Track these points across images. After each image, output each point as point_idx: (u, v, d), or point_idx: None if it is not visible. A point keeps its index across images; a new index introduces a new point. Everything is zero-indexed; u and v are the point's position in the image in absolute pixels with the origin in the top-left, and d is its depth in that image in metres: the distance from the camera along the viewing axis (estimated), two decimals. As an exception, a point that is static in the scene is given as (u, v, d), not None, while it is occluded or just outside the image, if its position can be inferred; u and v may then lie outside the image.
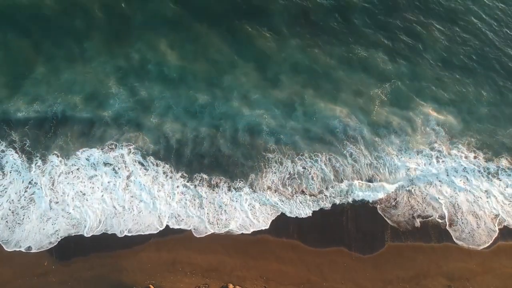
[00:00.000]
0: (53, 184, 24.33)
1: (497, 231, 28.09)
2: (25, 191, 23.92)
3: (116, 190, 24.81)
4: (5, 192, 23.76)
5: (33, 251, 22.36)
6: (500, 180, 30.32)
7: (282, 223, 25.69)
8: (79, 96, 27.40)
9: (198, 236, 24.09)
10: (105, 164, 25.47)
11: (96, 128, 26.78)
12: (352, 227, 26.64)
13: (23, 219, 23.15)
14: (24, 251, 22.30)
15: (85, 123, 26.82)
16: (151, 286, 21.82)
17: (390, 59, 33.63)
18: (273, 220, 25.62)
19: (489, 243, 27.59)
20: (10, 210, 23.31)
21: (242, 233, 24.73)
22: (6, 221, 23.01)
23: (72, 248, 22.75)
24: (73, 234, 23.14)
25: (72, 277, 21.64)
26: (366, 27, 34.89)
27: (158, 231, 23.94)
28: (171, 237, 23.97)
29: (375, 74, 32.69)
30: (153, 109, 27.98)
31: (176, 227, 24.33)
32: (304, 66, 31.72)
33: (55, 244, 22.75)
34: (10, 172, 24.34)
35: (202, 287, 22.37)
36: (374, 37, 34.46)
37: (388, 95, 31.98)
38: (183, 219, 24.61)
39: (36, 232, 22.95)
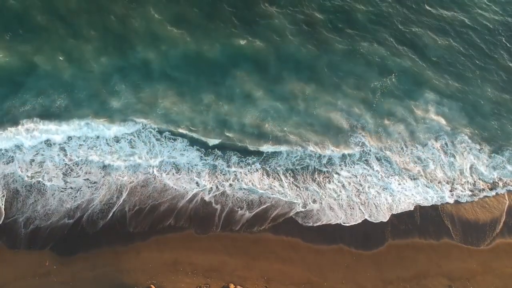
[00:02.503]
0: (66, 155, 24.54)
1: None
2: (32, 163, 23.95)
3: (136, 161, 25.31)
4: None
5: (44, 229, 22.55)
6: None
7: (283, 220, 25.81)
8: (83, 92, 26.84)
9: (199, 235, 24.24)
10: (118, 140, 25.66)
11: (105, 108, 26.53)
12: (352, 226, 26.73)
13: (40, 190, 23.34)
14: (26, 249, 22.30)
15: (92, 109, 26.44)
16: (152, 286, 21.89)
17: (392, 54, 33.46)
18: (274, 217, 25.76)
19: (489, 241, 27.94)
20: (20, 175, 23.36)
21: (243, 231, 24.80)
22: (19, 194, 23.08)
23: (73, 247, 22.68)
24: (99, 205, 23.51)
25: (73, 277, 21.65)
26: (368, 22, 34.64)
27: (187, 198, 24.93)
28: (172, 235, 23.92)
29: (377, 68, 32.57)
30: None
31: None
32: (306, 63, 31.43)
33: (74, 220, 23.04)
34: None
35: (203, 287, 22.45)
36: (376, 32, 34.21)
37: (390, 88, 31.98)
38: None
39: (55, 204, 23.25)
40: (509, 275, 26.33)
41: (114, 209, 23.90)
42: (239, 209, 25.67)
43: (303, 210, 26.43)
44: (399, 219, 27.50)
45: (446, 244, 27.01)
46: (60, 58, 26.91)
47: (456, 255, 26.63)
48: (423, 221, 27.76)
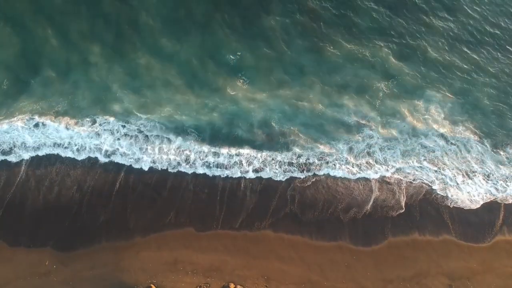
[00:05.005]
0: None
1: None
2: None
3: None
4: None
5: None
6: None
7: (283, 215, 25.79)
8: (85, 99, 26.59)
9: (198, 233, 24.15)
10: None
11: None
12: (352, 221, 26.64)
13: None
14: (26, 248, 22.23)
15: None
16: (152, 285, 21.90)
17: (394, 55, 33.03)
18: (274, 214, 25.71)
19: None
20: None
21: (243, 229, 24.70)
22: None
23: (73, 246, 22.62)
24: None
25: (73, 277, 21.63)
26: (370, 24, 34.05)
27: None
28: (172, 233, 23.85)
29: (380, 69, 32.20)
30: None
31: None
32: (310, 65, 30.89)
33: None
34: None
35: (203, 286, 22.45)
36: (378, 34, 33.67)
37: (393, 88, 31.75)
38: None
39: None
40: (510, 274, 26.37)
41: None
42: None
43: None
44: (399, 215, 27.44)
45: (446, 242, 27.01)
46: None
47: (456, 254, 26.63)
48: (422, 218, 27.77)
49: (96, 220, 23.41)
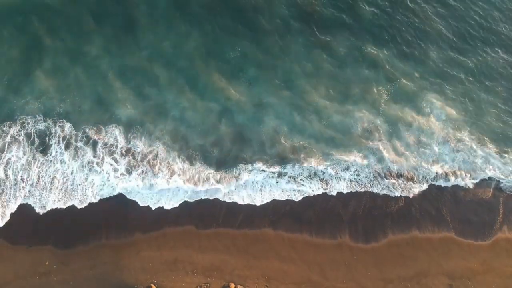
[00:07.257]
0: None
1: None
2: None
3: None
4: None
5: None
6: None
7: (282, 215, 25.73)
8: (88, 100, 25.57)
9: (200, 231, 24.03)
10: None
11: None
12: (352, 219, 26.62)
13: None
14: (26, 247, 22.13)
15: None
16: (152, 285, 21.88)
17: (396, 57, 32.83)
18: (272, 211, 25.65)
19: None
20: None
21: (243, 227, 24.62)
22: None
23: (73, 246, 22.49)
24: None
25: (73, 276, 21.57)
26: (372, 25, 33.69)
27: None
28: (172, 231, 23.74)
29: (382, 72, 31.87)
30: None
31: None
32: (311, 67, 30.44)
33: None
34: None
35: (203, 286, 22.44)
36: (380, 35, 33.37)
37: (396, 91, 31.45)
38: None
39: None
40: (510, 274, 26.44)
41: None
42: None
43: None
44: (398, 213, 27.45)
45: (446, 241, 27.07)
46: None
47: (456, 253, 26.69)
48: (422, 216, 27.79)
49: (96, 218, 23.27)
